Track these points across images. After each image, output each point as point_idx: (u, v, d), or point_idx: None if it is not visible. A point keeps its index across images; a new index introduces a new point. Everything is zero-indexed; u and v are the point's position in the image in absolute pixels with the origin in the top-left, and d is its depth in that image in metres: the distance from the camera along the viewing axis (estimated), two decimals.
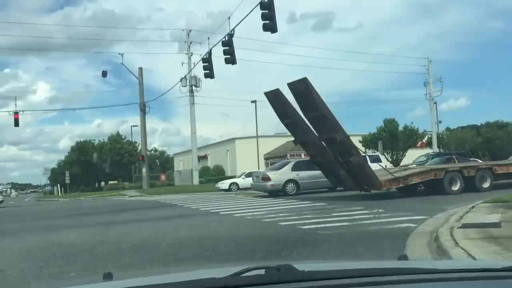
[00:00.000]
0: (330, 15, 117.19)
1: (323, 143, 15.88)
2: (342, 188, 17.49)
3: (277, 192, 19.76)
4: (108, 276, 1.78)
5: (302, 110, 15.55)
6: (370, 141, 47.51)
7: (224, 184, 31.66)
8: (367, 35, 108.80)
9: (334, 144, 15.16)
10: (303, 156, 53.52)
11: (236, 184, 31.24)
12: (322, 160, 16.59)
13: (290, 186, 19.89)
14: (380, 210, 11.21)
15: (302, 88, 14.80)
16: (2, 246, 8.37)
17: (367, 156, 29.48)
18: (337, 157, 15.68)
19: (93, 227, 11.43)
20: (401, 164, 39.94)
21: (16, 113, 39.19)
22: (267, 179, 20.07)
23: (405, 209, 11.11)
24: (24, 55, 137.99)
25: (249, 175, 33.83)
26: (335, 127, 15.00)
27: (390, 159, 46.66)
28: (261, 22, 16.65)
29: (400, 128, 49.37)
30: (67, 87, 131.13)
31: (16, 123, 39.09)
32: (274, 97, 16.25)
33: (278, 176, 19.98)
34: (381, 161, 29.54)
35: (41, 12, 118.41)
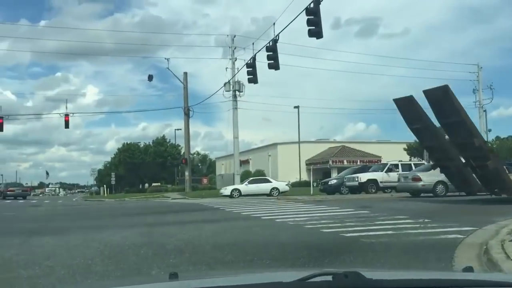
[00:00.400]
0: (376, 21, 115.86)
1: (454, 147, 16.55)
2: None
3: (426, 192, 20.57)
4: (174, 276, 1.80)
5: (437, 116, 16.24)
6: (415, 149, 46.38)
7: (227, 190, 31.50)
8: (414, 40, 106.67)
9: (469, 149, 15.71)
10: (345, 163, 52.91)
11: (239, 190, 31.08)
12: (448, 164, 17.33)
13: (440, 187, 20.57)
14: (425, 220, 10.92)
15: (441, 95, 15.35)
16: (52, 244, 8.67)
17: (412, 164, 28.86)
18: (469, 161, 16.09)
19: (137, 227, 11.67)
20: None
21: (66, 115, 40.74)
22: (418, 179, 20.88)
23: (452, 219, 10.76)
24: (75, 59, 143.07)
25: (252, 181, 33.82)
26: (473, 133, 15.69)
27: None
28: (306, 28, 16.64)
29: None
30: (114, 91, 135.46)
31: (66, 125, 40.66)
32: (406, 103, 16.98)
33: (429, 177, 20.57)
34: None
35: (92, 18, 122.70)
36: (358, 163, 51.45)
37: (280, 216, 13.57)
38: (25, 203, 34.45)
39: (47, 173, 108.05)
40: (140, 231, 10.84)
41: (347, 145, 60.23)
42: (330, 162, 54.72)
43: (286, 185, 33.54)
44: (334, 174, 48.49)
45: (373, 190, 26.28)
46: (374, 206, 16.08)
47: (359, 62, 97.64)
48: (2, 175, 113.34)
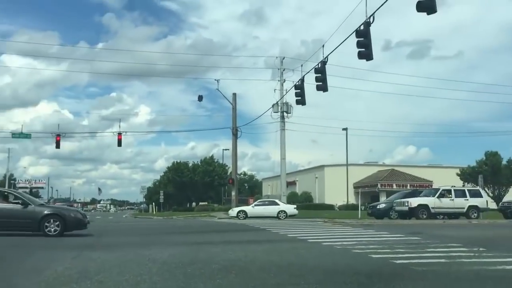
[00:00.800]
0: (428, 43, 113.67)
1: None
2: None
3: None
4: None
5: None
6: (469, 175, 44.74)
7: (233, 211, 31.22)
8: (467, 63, 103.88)
9: None
10: (395, 187, 51.59)
11: (245, 212, 30.58)
12: None
13: None
14: (481, 249, 10.42)
15: None
16: (103, 259, 8.89)
17: (466, 190, 27.75)
18: None
19: (185, 245, 11.80)
20: (504, 200, 37.01)
21: (119, 134, 42.14)
22: None
23: (509, 249, 10.22)
24: (129, 80, 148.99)
25: (259, 204, 33.34)
26: None
27: (491, 195, 43.48)
28: (356, 50, 16.54)
29: (504, 162, 45.97)
30: (165, 111, 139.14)
31: (119, 143, 42.02)
32: None
33: None
34: (481, 196, 27.62)
35: (147, 40, 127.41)
36: (408, 187, 50.03)
37: (327, 239, 13.35)
38: None
39: (99, 190, 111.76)
40: (187, 249, 10.94)
41: (396, 168, 58.85)
42: (379, 186, 53.55)
43: (294, 208, 33.32)
44: (382, 198, 47.36)
45: (424, 216, 25.43)
46: (425, 232, 15.54)
47: (410, 84, 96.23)
48: (57, 190, 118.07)
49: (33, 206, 14.62)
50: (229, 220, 29.74)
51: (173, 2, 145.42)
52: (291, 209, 32.28)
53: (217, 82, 42.02)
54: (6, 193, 15.93)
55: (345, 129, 51.14)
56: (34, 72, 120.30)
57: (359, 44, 16.41)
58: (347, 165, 51.35)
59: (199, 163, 79.75)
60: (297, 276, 7.05)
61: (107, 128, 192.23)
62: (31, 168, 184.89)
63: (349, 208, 42.79)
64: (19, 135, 44.29)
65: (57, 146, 41.48)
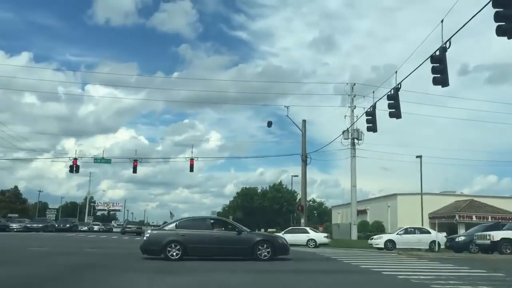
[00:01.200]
0: (508, 67, 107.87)
1: None
2: None
3: None
4: None
5: None
6: None
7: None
8: None
9: None
10: (474, 219, 48.68)
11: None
12: None
13: None
14: None
15: None
16: (172, 283, 9.02)
17: None
18: None
19: (253, 273, 11.72)
20: None
21: (191, 159, 43.37)
22: None
23: None
24: (201, 107, 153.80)
25: (288, 231, 31.78)
26: None
27: None
28: (430, 75, 16.01)
29: None
30: (235, 137, 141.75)
31: (191, 169, 43.20)
32: None
33: None
34: None
35: (219, 69, 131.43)
36: (489, 219, 46.98)
37: (402, 272, 12.74)
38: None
39: (171, 214, 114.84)
40: (254, 277, 10.86)
41: (476, 199, 55.56)
42: (457, 217, 50.76)
43: (325, 237, 31.87)
44: (461, 230, 44.74)
45: (508, 251, 23.63)
46: (510, 269, 14.42)
47: (489, 110, 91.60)
48: (132, 213, 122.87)
49: (245, 233, 15.90)
50: (297, 248, 29.32)
51: (244, 32, 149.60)
52: (321, 237, 31.46)
53: (287, 108, 42.27)
54: (224, 221, 17.54)
55: (419, 156, 49.26)
56: (115, 101, 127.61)
57: (434, 70, 15.87)
58: (421, 194, 49.17)
59: (268, 188, 79.98)
60: None
61: (180, 153, 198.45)
62: (110, 191, 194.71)
63: None
64: (100, 160, 46.89)
65: (134, 171, 43.41)
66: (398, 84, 19.79)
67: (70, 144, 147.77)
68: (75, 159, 43.62)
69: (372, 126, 23.67)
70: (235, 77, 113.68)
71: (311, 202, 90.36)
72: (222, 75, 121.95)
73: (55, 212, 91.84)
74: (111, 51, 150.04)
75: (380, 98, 23.63)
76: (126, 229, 52.31)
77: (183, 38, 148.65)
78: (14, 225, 49.17)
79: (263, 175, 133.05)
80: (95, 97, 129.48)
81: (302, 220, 43.51)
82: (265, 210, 72.76)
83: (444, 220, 50.03)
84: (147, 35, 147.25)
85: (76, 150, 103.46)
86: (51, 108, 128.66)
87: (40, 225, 50.48)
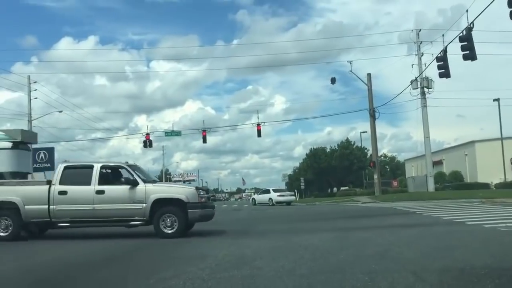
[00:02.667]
0: None
1: None
2: None
3: None
4: None
5: None
6: None
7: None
8: None
9: None
10: None
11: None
12: None
13: None
14: None
15: None
16: (256, 246, 9.22)
17: None
18: None
19: (333, 231, 11.74)
20: None
21: (258, 124, 43.65)
22: None
23: None
24: (263, 72, 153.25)
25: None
26: None
27: None
28: (507, 10, 14.79)
29: None
30: (299, 98, 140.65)
31: (259, 134, 43.53)
32: None
33: None
34: None
35: (278, 31, 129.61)
36: None
37: (488, 221, 12.25)
38: (228, 207, 37.85)
39: (243, 180, 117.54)
40: (336, 235, 10.87)
41: None
42: None
43: (280, 196, 39.00)
44: None
45: None
46: None
47: None
48: (206, 182, 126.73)
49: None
50: (375, 204, 28.99)
51: None
52: (275, 196, 38.51)
53: (350, 64, 41.46)
54: None
55: (497, 99, 46.45)
56: (179, 74, 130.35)
57: (510, 4, 14.65)
58: (501, 139, 46.58)
59: (336, 147, 79.11)
60: (461, 261, 6.54)
61: (246, 120, 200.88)
62: (183, 162, 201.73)
63: (507, 186, 38.82)
64: (171, 133, 48.41)
65: (204, 141, 44.49)
66: (470, 24, 18.52)
67: (142, 121, 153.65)
68: (148, 134, 45.34)
69: (445, 72, 22.48)
70: (295, 37, 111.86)
71: (382, 157, 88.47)
72: (282, 37, 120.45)
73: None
74: (171, 26, 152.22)
75: (450, 42, 22.34)
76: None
77: (239, 4, 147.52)
78: None
79: (331, 135, 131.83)
80: (160, 73, 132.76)
81: (375, 176, 42.85)
82: (336, 169, 72.20)
83: None
84: (204, 6, 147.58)
85: (147, 126, 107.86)
86: (121, 87, 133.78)
87: None
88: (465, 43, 18.31)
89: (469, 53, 18.30)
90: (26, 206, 11.47)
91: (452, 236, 9.76)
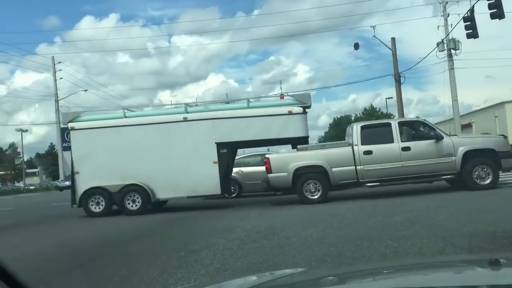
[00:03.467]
0: None
1: None
2: None
3: None
4: (495, 263, 1.55)
5: None
6: None
7: None
8: None
9: None
10: None
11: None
12: None
13: None
14: None
15: None
16: (284, 216, 9.28)
17: None
18: None
19: (360, 199, 11.68)
20: None
21: (281, 95, 43.28)
22: None
23: None
24: (285, 41, 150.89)
25: None
26: None
27: None
28: None
29: None
30: (323, 67, 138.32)
31: None
32: None
33: None
34: None
35: None
36: None
37: None
38: None
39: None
40: (363, 203, 10.83)
41: None
42: None
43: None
44: None
45: None
46: None
47: None
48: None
49: None
50: None
51: None
52: None
53: (373, 28, 39.85)
54: None
55: None
56: (201, 48, 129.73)
57: None
58: None
59: (361, 115, 78.24)
60: (492, 225, 6.46)
61: (270, 91, 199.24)
62: None
63: None
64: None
65: None
66: None
67: (166, 96, 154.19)
68: None
69: (472, 32, 21.75)
70: (316, 4, 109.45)
71: None
72: (303, 5, 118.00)
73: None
74: (190, 0, 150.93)
75: (478, 0, 21.49)
76: None
77: None
78: None
79: (355, 102, 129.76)
80: (182, 47, 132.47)
81: None
82: None
83: None
84: None
85: (170, 101, 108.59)
86: (144, 64, 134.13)
87: None
88: (493, 1, 17.60)
89: (497, 11, 17.58)
90: (333, 169, 11.51)
91: (482, 199, 9.61)
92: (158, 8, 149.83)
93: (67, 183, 51.64)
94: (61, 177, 53.40)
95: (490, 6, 17.81)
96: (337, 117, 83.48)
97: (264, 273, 3.29)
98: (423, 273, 1.78)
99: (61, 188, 47.14)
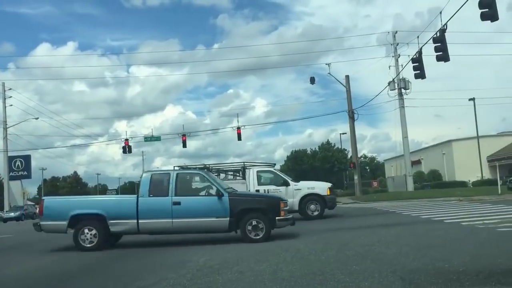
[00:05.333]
0: None
1: None
2: None
3: None
4: None
5: None
6: None
7: None
8: None
9: None
10: None
11: None
12: None
13: None
14: None
15: None
16: (238, 250, 9.18)
17: None
18: None
19: (315, 233, 11.76)
20: None
21: (238, 128, 43.64)
22: None
23: None
24: (244, 75, 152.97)
25: None
26: None
27: None
28: (478, 12, 15.12)
29: None
30: (280, 101, 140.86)
31: (239, 137, 43.55)
32: None
33: None
34: None
35: (259, 35, 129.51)
36: None
37: (466, 218, 12.47)
38: None
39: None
40: (318, 236, 10.90)
41: None
42: None
43: None
44: None
45: None
46: None
47: None
48: None
49: None
50: (355, 204, 29.23)
51: None
52: None
53: (328, 66, 41.39)
54: None
55: (472, 99, 47.41)
56: (160, 79, 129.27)
57: (481, 5, 14.97)
58: (477, 137, 47.51)
59: (317, 149, 79.63)
60: (440, 260, 6.63)
61: (228, 124, 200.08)
62: (164, 167, 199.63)
63: (485, 184, 39.57)
64: (150, 138, 48.06)
65: (184, 145, 44.26)
66: (443, 26, 18.84)
67: (122, 126, 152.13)
68: (126, 139, 44.96)
69: (420, 73, 22.81)
70: (276, 41, 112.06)
71: (362, 158, 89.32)
72: (263, 41, 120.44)
73: (115, 193, 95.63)
74: (151, 31, 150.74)
75: (425, 43, 22.70)
76: None
77: (219, 8, 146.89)
78: None
79: (311, 137, 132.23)
80: (141, 78, 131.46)
81: (355, 177, 43.21)
82: (317, 171, 72.73)
83: (504, 162, 48.27)
84: (184, 11, 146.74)
85: (126, 132, 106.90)
86: (101, 93, 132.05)
87: None
88: (439, 44, 18.61)
89: (442, 54, 18.60)
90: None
91: (430, 234, 9.89)
92: (117, 38, 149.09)
93: (12, 214, 49.25)
94: (6, 207, 50.96)
95: (437, 49, 18.82)
96: (294, 150, 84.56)
97: None
98: None
99: (5, 220, 44.94)
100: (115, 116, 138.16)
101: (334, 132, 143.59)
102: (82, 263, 9.05)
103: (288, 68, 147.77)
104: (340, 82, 42.73)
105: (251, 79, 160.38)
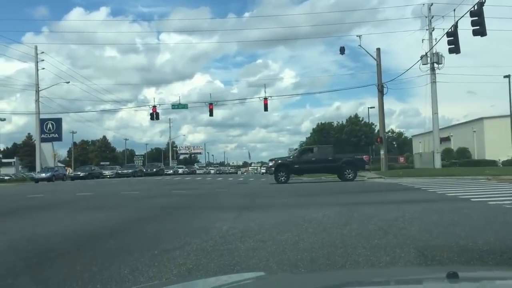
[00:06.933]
0: None
1: None
2: None
3: None
4: (452, 276, 1.59)
5: None
6: None
7: None
8: None
9: None
10: None
11: None
12: None
13: None
14: None
15: None
16: (260, 219, 9.29)
17: None
18: None
19: (337, 206, 11.74)
20: None
21: (265, 98, 43.56)
22: None
23: None
24: (274, 46, 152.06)
25: None
26: None
27: None
28: None
29: None
30: (308, 73, 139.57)
31: (265, 108, 43.51)
32: None
33: None
34: None
35: (290, 4, 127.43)
36: None
37: (493, 198, 12.24)
38: (234, 180, 38.02)
39: (249, 154, 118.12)
40: (341, 210, 10.89)
41: None
42: None
43: None
44: None
45: None
46: None
47: None
48: (213, 155, 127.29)
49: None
50: (380, 180, 29.03)
51: None
52: None
53: (359, 38, 40.57)
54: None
55: (508, 76, 45.85)
56: (189, 47, 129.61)
57: None
58: (511, 115, 46.15)
59: (344, 123, 78.85)
60: (463, 238, 6.56)
61: (255, 94, 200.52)
62: (190, 135, 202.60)
63: None
64: (178, 106, 48.52)
65: (211, 114, 44.54)
66: None
67: (151, 93, 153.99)
68: (154, 106, 45.42)
69: (454, 48, 22.15)
70: (307, 11, 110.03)
71: (390, 133, 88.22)
72: (294, 10, 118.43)
73: (142, 158, 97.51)
74: None
75: (462, 16, 21.91)
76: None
77: None
78: (107, 172, 53.13)
79: (339, 110, 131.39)
80: (170, 45, 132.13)
81: (382, 152, 42.76)
82: (343, 145, 72.25)
83: None
84: None
85: (154, 98, 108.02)
86: (131, 59, 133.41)
87: (130, 170, 54.17)
88: (476, 18, 17.94)
89: (480, 29, 17.95)
90: None
91: (456, 212, 9.76)
92: (148, 5, 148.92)
93: (43, 175, 50.90)
94: (38, 168, 52.52)
95: (473, 23, 18.17)
96: (320, 122, 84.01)
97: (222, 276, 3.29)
98: (378, 283, 1.82)
99: (37, 180, 46.37)
100: (144, 82, 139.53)
101: (362, 105, 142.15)
102: (107, 224, 9.31)
103: (318, 40, 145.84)
104: (371, 55, 41.93)
105: (281, 49, 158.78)
